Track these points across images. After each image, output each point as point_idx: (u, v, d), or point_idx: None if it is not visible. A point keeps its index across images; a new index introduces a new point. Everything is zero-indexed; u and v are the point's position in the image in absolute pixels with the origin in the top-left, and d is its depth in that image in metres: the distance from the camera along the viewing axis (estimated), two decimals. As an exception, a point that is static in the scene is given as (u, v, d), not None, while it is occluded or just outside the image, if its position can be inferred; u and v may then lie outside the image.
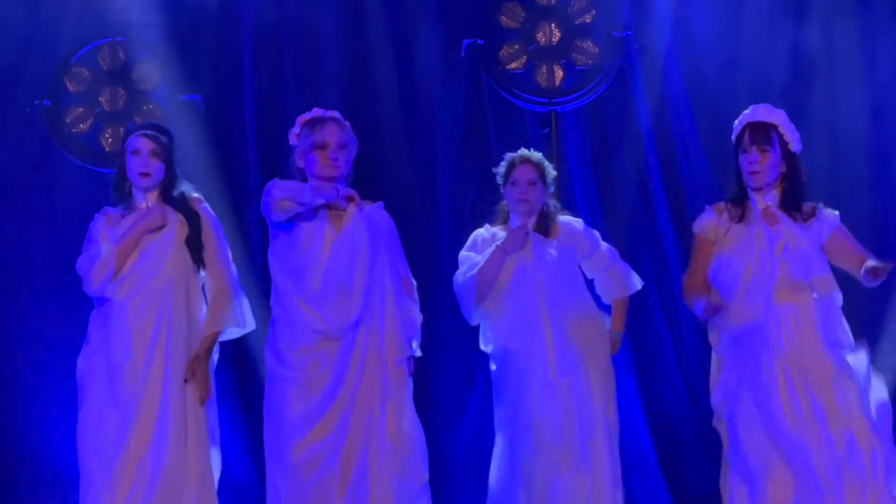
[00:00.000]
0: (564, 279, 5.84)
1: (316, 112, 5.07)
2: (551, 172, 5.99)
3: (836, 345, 5.21)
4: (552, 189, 6.00)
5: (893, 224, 7.36)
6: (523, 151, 6.00)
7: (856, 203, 7.16)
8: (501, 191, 5.99)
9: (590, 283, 6.04)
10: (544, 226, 5.89)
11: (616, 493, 5.78)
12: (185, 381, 5.40)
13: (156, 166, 5.55)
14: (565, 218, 6.00)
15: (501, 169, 5.97)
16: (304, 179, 5.09)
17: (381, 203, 5.18)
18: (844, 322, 5.32)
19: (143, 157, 5.54)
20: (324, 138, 5.00)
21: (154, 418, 5.36)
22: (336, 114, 5.09)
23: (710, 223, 5.40)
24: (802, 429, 5.10)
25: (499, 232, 5.93)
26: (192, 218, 5.57)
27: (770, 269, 5.21)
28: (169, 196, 5.58)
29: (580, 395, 5.74)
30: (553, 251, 5.85)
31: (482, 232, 5.97)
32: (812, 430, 5.10)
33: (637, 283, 6.03)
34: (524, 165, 5.92)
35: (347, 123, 5.08)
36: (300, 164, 5.07)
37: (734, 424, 5.23)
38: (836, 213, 5.36)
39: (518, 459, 5.73)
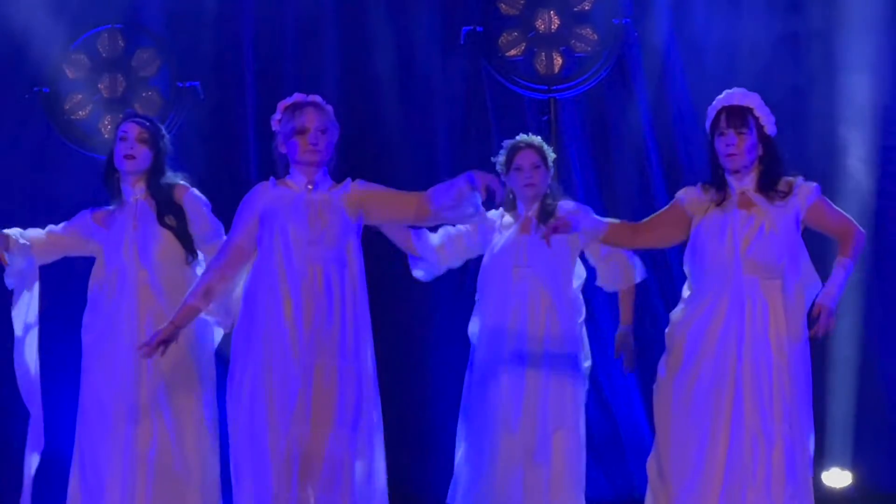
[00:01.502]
0: (556, 271, 5.81)
1: (296, 97, 5.00)
2: (551, 155, 5.94)
3: (781, 338, 5.14)
4: (552, 171, 5.96)
5: (893, 223, 7.34)
6: (523, 137, 5.95)
7: (855, 201, 7.14)
8: (503, 179, 5.95)
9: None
10: (546, 213, 5.84)
11: (578, 486, 5.77)
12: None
13: (142, 151, 5.54)
14: (566, 203, 5.93)
15: (501, 157, 5.91)
16: (287, 166, 5.05)
17: (347, 181, 5.07)
18: (803, 314, 5.20)
19: (129, 141, 5.53)
20: (303, 123, 4.92)
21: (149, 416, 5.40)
22: (317, 98, 5.02)
23: (695, 197, 5.30)
24: (717, 418, 5.10)
25: (507, 217, 5.90)
26: (178, 211, 5.54)
27: (734, 252, 5.17)
28: (155, 184, 5.56)
29: (549, 385, 5.73)
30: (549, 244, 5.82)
31: (496, 213, 5.88)
32: (727, 424, 5.10)
33: (640, 274, 5.92)
34: (527, 150, 5.87)
35: (329, 108, 5.02)
36: (282, 149, 5.01)
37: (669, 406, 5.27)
38: (814, 184, 5.22)
39: (486, 445, 5.71)
